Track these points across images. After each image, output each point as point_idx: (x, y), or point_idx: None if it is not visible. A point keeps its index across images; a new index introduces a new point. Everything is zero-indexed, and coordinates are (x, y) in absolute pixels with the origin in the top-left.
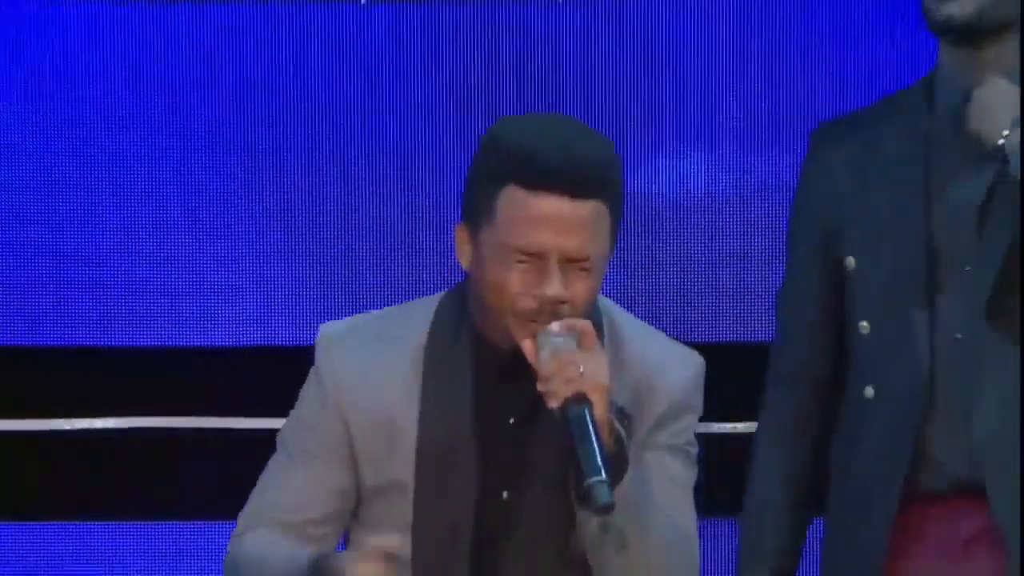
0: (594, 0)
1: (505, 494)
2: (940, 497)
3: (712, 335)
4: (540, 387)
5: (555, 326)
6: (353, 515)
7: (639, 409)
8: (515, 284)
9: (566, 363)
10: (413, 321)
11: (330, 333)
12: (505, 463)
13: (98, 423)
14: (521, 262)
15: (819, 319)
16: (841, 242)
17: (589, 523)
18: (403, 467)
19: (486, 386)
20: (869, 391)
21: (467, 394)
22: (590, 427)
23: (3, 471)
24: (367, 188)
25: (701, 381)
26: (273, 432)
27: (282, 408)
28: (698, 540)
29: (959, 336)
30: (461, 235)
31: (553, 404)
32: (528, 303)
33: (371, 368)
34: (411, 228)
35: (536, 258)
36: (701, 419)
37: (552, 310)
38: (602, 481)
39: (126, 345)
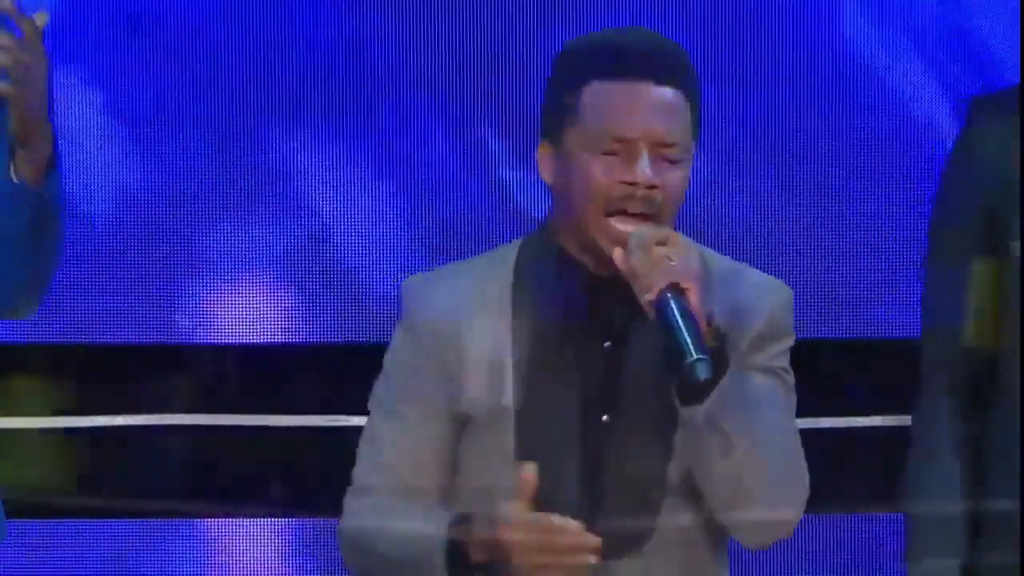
0: None
1: (605, 417)
2: None
3: None
4: (634, 286)
5: (642, 228)
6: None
7: (735, 327)
8: (603, 173)
9: (659, 256)
10: (498, 257)
11: (412, 280)
12: (603, 387)
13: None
14: (608, 153)
15: None
16: (1006, 227)
17: (691, 424)
18: (502, 394)
19: (578, 309)
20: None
21: (557, 314)
22: (683, 315)
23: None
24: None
25: (792, 308)
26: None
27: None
28: (806, 467)
29: None
30: (543, 152)
31: (648, 298)
32: (617, 190)
33: (460, 300)
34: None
35: (624, 146)
36: None
37: (643, 197)
38: (701, 359)
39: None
